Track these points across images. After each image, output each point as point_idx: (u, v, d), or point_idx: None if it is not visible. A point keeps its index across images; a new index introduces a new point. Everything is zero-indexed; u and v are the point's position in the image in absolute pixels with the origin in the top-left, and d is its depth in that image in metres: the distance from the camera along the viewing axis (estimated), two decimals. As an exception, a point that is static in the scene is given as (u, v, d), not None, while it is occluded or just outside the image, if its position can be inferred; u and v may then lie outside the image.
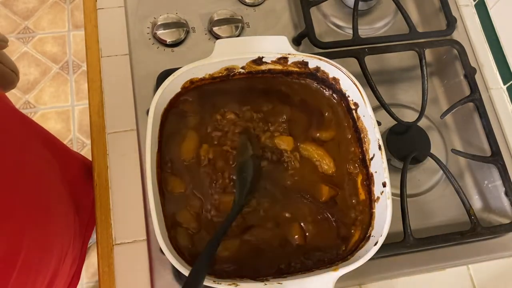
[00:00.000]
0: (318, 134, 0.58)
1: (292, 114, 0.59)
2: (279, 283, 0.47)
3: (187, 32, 0.67)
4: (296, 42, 0.69)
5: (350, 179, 0.57)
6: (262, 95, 0.59)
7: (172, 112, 0.56)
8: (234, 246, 0.52)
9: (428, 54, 0.73)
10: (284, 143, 0.57)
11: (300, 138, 0.58)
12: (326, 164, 0.57)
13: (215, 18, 0.67)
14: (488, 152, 0.65)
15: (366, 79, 0.63)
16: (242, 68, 0.58)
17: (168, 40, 0.65)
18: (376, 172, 0.55)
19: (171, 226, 0.51)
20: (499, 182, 0.64)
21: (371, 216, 0.54)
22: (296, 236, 0.53)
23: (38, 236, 0.55)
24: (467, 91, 0.68)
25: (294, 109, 0.59)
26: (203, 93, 0.58)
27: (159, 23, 0.65)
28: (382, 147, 0.54)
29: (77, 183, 0.76)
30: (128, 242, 0.56)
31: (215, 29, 0.67)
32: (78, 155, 0.89)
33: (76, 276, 0.78)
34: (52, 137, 0.79)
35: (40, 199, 0.59)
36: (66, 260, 0.68)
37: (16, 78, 0.70)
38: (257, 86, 0.59)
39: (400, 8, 0.69)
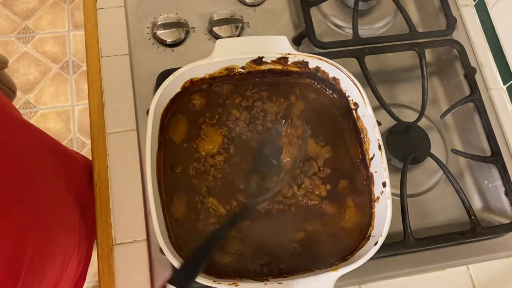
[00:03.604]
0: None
1: None
2: (279, 283, 0.47)
3: (187, 32, 0.67)
4: (296, 42, 0.69)
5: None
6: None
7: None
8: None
9: (428, 54, 0.73)
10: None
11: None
12: None
13: (215, 18, 0.67)
14: (488, 152, 0.65)
15: (366, 79, 0.63)
16: (242, 68, 0.58)
17: (168, 40, 0.65)
18: (376, 172, 0.55)
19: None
20: (499, 182, 0.64)
21: (371, 216, 0.54)
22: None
23: (41, 246, 0.55)
24: (467, 91, 0.68)
25: None
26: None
27: (159, 23, 0.65)
28: (382, 147, 0.54)
29: (82, 188, 0.75)
30: (128, 242, 0.56)
31: (215, 29, 0.67)
32: (82, 159, 0.87)
33: (82, 277, 0.77)
34: (57, 144, 0.77)
35: (44, 208, 0.59)
36: (70, 265, 0.67)
37: (12, 96, 0.71)
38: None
39: (400, 8, 0.69)
